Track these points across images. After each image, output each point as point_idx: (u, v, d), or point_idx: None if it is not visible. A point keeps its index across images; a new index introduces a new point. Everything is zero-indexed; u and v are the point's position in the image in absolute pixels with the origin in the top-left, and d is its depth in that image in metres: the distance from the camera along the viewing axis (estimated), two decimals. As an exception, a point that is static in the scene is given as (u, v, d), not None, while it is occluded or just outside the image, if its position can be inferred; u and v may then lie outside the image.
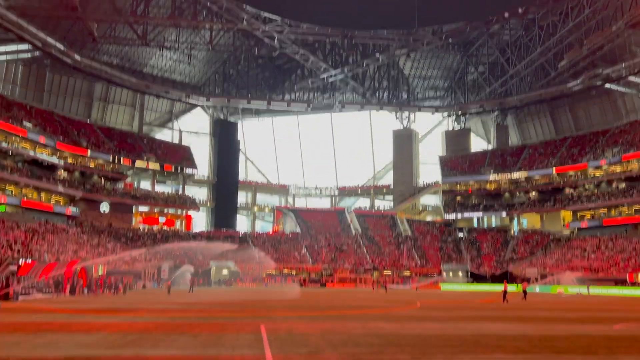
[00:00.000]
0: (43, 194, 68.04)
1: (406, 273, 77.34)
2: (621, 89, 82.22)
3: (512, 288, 47.12)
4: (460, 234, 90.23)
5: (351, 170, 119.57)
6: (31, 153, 66.85)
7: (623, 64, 72.94)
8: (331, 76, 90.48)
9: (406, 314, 21.71)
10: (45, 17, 68.73)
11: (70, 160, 74.27)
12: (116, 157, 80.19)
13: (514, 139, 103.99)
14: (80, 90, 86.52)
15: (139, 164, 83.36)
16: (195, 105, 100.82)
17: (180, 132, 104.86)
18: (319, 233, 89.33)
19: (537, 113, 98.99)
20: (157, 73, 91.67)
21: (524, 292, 37.18)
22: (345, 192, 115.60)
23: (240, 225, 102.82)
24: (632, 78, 76.81)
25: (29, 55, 73.83)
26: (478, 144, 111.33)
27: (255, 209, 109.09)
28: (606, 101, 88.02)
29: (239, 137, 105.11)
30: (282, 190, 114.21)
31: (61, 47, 71.53)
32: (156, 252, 66.36)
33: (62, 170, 72.64)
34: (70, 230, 65.54)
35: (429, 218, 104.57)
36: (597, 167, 78.40)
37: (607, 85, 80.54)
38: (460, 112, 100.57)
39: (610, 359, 10.17)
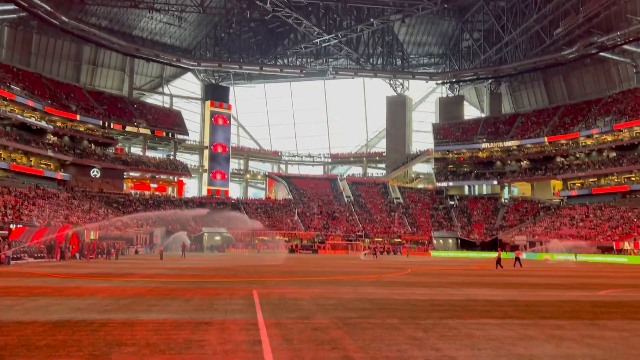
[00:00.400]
0: (33, 159, 67.56)
1: (397, 240, 77.99)
2: (615, 57, 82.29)
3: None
4: (452, 202, 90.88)
5: (344, 137, 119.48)
6: (19, 117, 66.06)
7: (618, 32, 72.50)
8: (325, 41, 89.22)
9: (397, 280, 21.93)
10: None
11: (59, 125, 73.54)
12: (106, 122, 79.42)
13: (507, 108, 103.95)
14: (69, 53, 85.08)
15: (129, 129, 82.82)
16: (186, 70, 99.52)
17: (171, 97, 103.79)
18: (311, 200, 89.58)
19: (530, 81, 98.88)
20: (147, 36, 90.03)
21: (517, 259, 37.70)
22: (337, 159, 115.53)
23: (232, 191, 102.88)
24: (626, 46, 76.76)
25: (15, 16, 72.27)
26: (471, 112, 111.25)
27: (248, 175, 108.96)
28: (600, 70, 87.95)
29: (231, 102, 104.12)
30: (275, 157, 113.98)
31: (48, 7, 69.95)
32: (147, 218, 66.43)
33: (52, 135, 72.01)
34: (61, 195, 65.29)
35: (420, 186, 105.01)
36: (589, 136, 78.79)
37: (602, 54, 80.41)
38: (454, 80, 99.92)
39: (594, 323, 10.34)
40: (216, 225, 73.72)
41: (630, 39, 73.32)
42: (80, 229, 45.09)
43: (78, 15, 77.88)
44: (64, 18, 72.99)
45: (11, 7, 68.82)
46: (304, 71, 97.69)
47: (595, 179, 76.51)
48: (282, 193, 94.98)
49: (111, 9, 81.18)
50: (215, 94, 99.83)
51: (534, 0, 78.40)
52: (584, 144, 80.00)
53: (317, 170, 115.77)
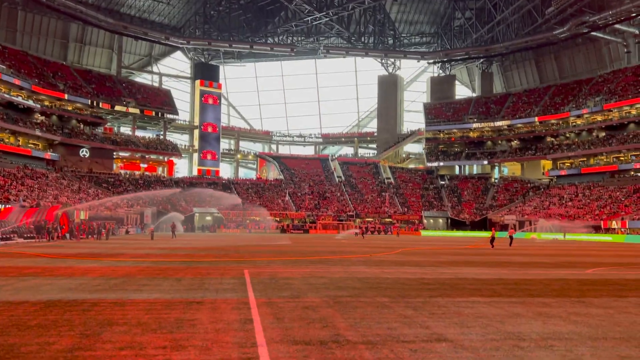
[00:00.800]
0: (21, 139, 66.90)
1: (388, 220, 78.38)
2: (607, 37, 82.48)
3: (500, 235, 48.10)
4: (442, 182, 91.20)
5: (335, 117, 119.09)
6: (6, 96, 65.17)
7: (610, 11, 72.64)
8: (316, 19, 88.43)
9: (387, 259, 22.05)
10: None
11: (47, 104, 72.74)
12: (95, 101, 78.57)
13: (498, 87, 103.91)
14: (55, 30, 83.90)
15: (118, 108, 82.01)
16: (175, 48, 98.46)
17: (161, 76, 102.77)
18: (303, 180, 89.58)
19: (522, 61, 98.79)
20: (135, 13, 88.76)
21: (511, 237, 38.62)
22: (329, 139, 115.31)
23: (223, 171, 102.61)
24: (618, 26, 76.76)
25: (0, -8, 70.88)
26: (463, 91, 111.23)
27: (239, 156, 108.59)
28: (591, 49, 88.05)
29: (221, 81, 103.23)
30: (266, 137, 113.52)
31: (34, -16, 68.75)
32: (138, 198, 66.21)
33: (39, 114, 71.18)
34: (50, 175, 64.82)
35: (411, 166, 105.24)
36: (579, 116, 79.10)
37: (593, 33, 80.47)
38: (445, 59, 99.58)
39: (581, 300, 10.48)
40: (207, 206, 73.64)
41: (622, 18, 73.53)
42: (70, 209, 44.81)
43: (64, -9, 76.48)
44: (50, -6, 71.83)
45: (-4, -17, 67.52)
46: (295, 50, 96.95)
47: (585, 159, 77.02)
48: (273, 173, 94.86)
49: (99, -15, 79.90)
50: (205, 72, 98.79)
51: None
52: (574, 123, 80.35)
53: (309, 151, 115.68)
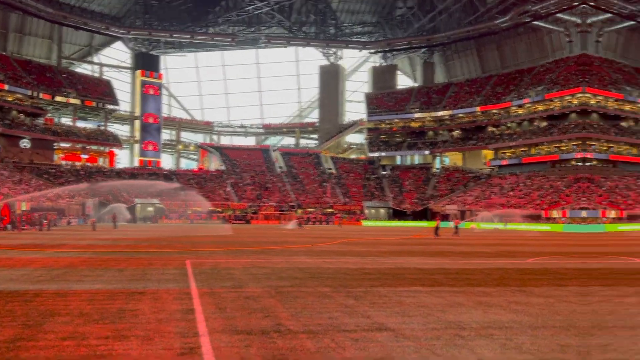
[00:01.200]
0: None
1: (329, 210, 78.50)
2: (549, 26, 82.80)
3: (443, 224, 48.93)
4: (384, 172, 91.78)
5: (277, 107, 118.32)
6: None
7: (552, 1, 73.36)
8: (257, 9, 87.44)
9: (328, 249, 21.92)
10: None
11: (-15, 94, 69.69)
12: (35, 92, 76.47)
13: (440, 77, 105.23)
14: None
15: (59, 99, 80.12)
16: (116, 39, 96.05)
17: (101, 66, 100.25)
18: (244, 171, 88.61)
19: (464, 50, 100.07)
20: (75, 3, 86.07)
21: (456, 227, 38.89)
22: (270, 129, 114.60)
23: (164, 162, 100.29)
24: (560, 15, 77.03)
25: None
26: (405, 81, 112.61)
27: (180, 146, 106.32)
28: (533, 39, 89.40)
29: (162, 72, 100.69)
30: (207, 127, 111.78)
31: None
32: (79, 189, 64.47)
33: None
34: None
35: (353, 156, 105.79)
36: (520, 106, 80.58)
37: (535, 23, 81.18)
38: (387, 48, 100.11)
39: (521, 289, 10.53)
40: (149, 197, 71.94)
41: (564, 7, 73.90)
42: (11, 201, 43.23)
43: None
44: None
45: None
46: (236, 40, 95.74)
47: (526, 149, 78.28)
48: (214, 164, 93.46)
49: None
50: (146, 63, 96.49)
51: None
52: (515, 113, 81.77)
53: (250, 141, 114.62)
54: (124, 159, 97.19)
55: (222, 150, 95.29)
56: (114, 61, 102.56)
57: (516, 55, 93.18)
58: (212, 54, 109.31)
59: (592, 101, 72.07)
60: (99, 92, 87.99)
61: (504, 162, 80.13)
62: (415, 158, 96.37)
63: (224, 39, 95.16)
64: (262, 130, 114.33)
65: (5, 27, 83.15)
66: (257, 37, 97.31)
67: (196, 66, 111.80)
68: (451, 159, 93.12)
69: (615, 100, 73.64)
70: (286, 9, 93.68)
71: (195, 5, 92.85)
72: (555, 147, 74.51)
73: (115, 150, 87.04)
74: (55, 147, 78.86)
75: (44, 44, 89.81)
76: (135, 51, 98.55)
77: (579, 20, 77.61)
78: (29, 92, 75.46)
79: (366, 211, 79.37)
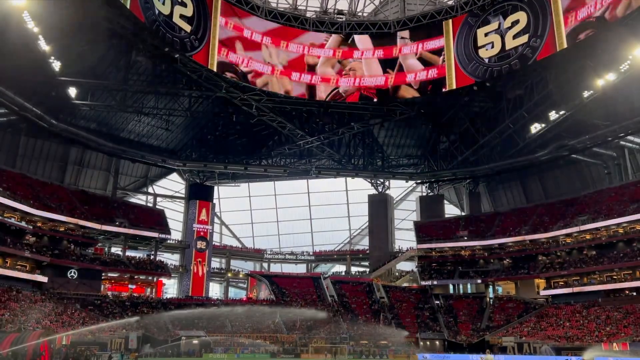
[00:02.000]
0: (9, 260, 66.16)
1: (383, 342, 75.89)
2: (587, 159, 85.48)
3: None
4: (437, 301, 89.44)
5: (327, 235, 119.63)
6: (-1, 217, 65.47)
7: (587, 136, 76.59)
8: (307, 143, 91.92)
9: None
10: (22, 81, 67.31)
11: (39, 225, 72.81)
12: (88, 222, 78.65)
13: (486, 206, 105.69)
14: (55, 154, 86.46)
15: (110, 228, 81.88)
16: (171, 170, 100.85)
17: (155, 196, 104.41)
18: (294, 300, 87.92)
19: (508, 181, 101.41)
20: (133, 138, 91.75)
21: None
22: (321, 257, 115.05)
23: (212, 291, 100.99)
24: (596, 149, 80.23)
25: (4, 119, 73.65)
26: (452, 210, 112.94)
27: (229, 274, 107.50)
28: (573, 170, 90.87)
29: (215, 201, 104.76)
30: (257, 255, 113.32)
31: (38, 111, 71.82)
32: (126, 324, 64.38)
33: (31, 235, 70.96)
34: (35, 298, 63.45)
35: (405, 284, 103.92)
36: (568, 235, 79.76)
37: (574, 156, 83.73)
38: (433, 179, 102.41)
39: None
40: (194, 329, 71.66)
41: (599, 142, 77.44)
42: (51, 337, 43.53)
43: (67, 118, 79.77)
44: (53, 121, 74.87)
45: (1, 110, 70.36)
46: (288, 171, 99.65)
47: (578, 278, 76.58)
48: (264, 293, 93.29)
49: (100, 112, 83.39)
50: (200, 193, 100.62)
51: (505, 107, 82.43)
52: (563, 242, 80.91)
53: (301, 269, 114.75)
54: (171, 288, 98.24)
55: (271, 279, 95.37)
56: (168, 191, 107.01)
57: (558, 185, 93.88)
58: (264, 183, 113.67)
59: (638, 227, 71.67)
60: (151, 221, 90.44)
61: (557, 291, 78.02)
62: (468, 287, 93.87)
63: (276, 171, 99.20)
64: (312, 258, 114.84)
65: (65, 160, 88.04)
66: (308, 169, 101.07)
67: (249, 195, 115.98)
68: (504, 287, 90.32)
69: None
70: (335, 143, 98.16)
71: (249, 139, 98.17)
72: (607, 276, 73.04)
73: (164, 279, 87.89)
74: (103, 277, 79.68)
75: (101, 176, 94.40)
76: (189, 182, 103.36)
77: (614, 154, 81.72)
78: (81, 222, 77.30)
79: (421, 343, 76.45)
